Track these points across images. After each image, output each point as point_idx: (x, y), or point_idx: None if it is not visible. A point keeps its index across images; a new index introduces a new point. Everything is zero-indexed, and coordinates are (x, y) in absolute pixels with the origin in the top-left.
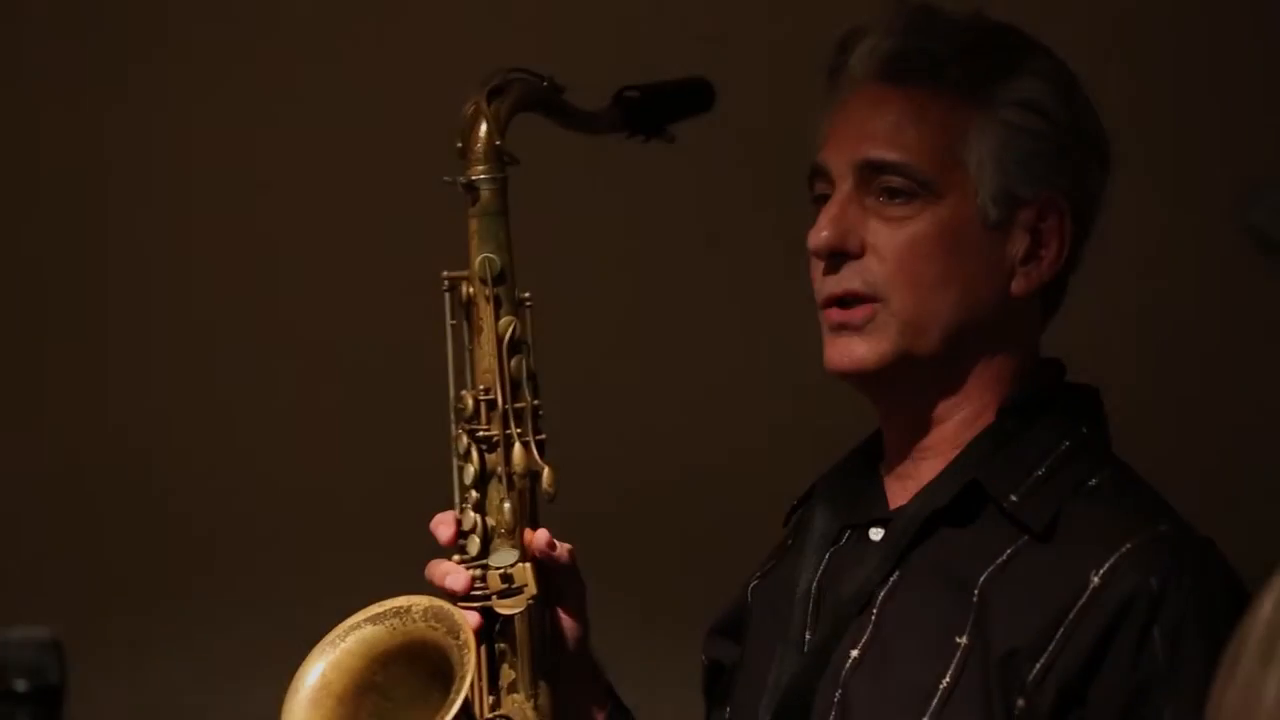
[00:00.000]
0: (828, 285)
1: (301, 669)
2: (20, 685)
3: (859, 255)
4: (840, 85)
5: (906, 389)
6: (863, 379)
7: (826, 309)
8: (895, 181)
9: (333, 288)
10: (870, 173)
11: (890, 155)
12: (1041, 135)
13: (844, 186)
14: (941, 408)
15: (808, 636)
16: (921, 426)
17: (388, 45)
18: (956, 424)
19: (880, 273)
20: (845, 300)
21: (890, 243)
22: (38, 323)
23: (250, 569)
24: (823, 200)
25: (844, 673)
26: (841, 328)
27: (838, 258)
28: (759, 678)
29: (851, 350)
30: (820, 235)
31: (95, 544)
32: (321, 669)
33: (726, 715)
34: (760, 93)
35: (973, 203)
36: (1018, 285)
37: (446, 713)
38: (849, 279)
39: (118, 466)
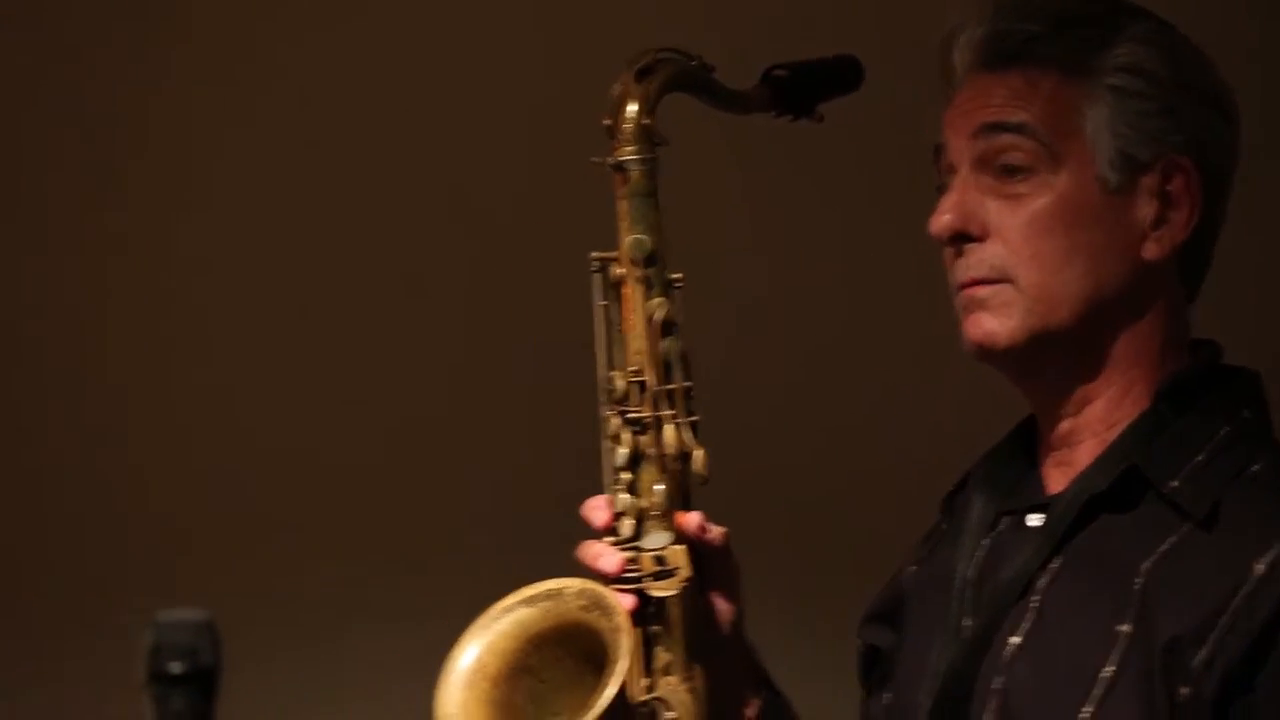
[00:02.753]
0: (957, 272)
1: (455, 651)
2: (175, 668)
3: (982, 239)
4: (950, 84)
5: (1048, 369)
6: (997, 357)
7: (958, 292)
8: (1014, 155)
9: (476, 270)
10: (988, 143)
11: (1008, 116)
12: (1149, 96)
13: (963, 170)
14: (1088, 387)
15: (967, 623)
16: (1070, 408)
17: (539, 22)
18: (1106, 403)
19: (1005, 254)
20: (974, 285)
21: (1012, 221)
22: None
23: (400, 557)
24: (945, 191)
25: (1005, 660)
26: (972, 305)
27: (962, 242)
28: (918, 664)
29: (981, 325)
30: (940, 220)
31: (251, 529)
32: (476, 651)
33: (885, 701)
34: (911, 70)
35: (1090, 171)
36: (1150, 251)
37: (604, 694)
38: (975, 266)
39: (287, 453)
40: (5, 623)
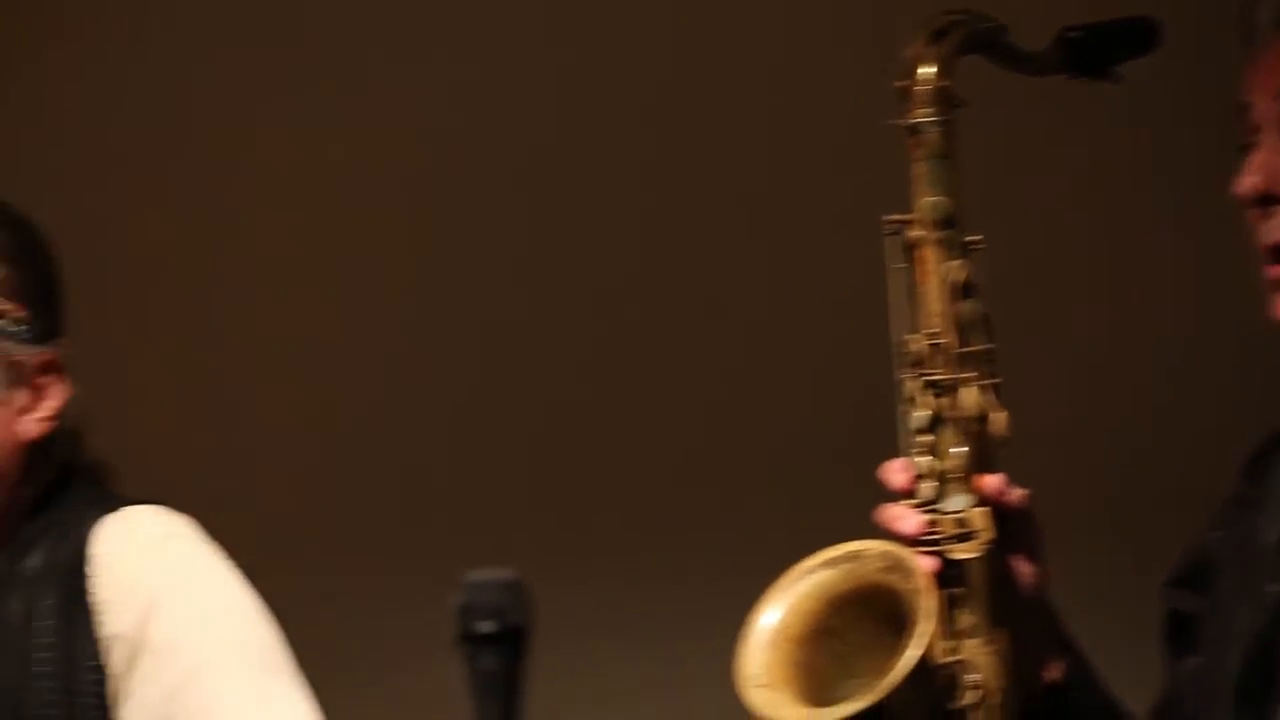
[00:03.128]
0: (1263, 234)
1: (757, 613)
2: (486, 627)
3: None
4: (1252, 41)
5: None
6: None
7: (1268, 264)
8: None
9: (769, 234)
10: None
11: None
12: None
13: (1268, 130)
14: None
15: (1273, 588)
16: None
17: None
18: None
19: None
20: None
21: None
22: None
23: (696, 519)
24: (1249, 150)
25: None
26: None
27: (1269, 204)
28: (1225, 629)
29: None
30: (1246, 181)
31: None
32: (778, 613)
33: (1192, 666)
34: (1208, 27)
35: None
36: None
37: (907, 656)
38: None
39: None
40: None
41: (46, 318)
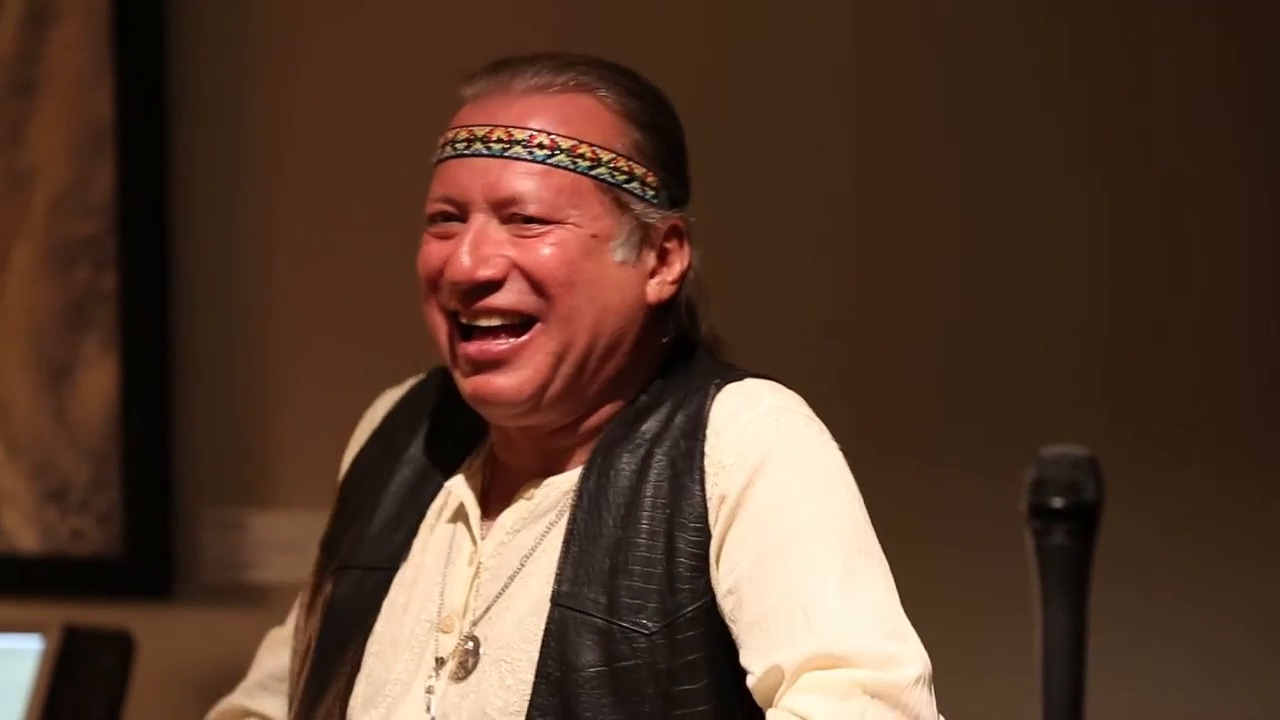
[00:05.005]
0: None
1: None
2: (1057, 502)
3: None
4: None
5: None
6: None
7: None
8: None
9: None
10: None
11: None
12: None
13: None
14: None
15: None
16: None
17: None
18: None
19: None
20: None
21: None
22: None
23: None
24: None
25: None
26: None
27: None
28: None
29: None
30: None
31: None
32: None
33: None
34: None
35: None
36: None
37: None
38: None
39: None
40: None
41: (675, 185)
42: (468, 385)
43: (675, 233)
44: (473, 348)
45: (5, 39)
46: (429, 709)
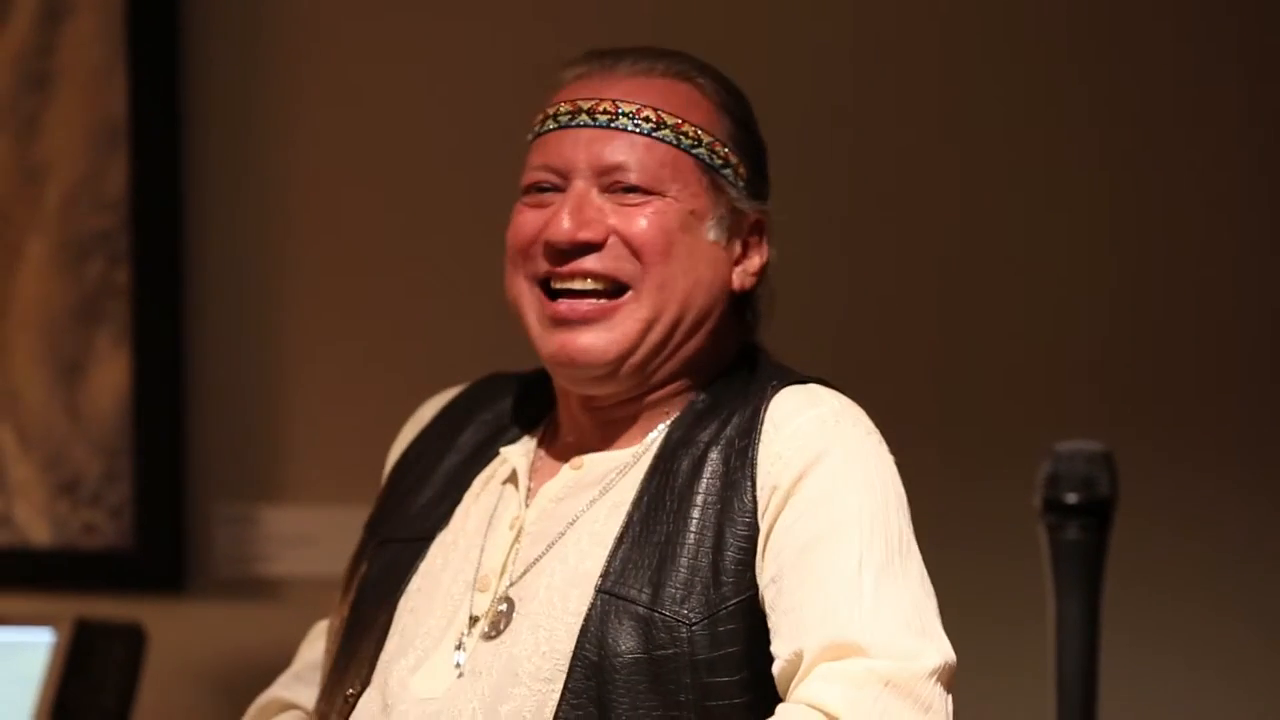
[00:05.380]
0: None
1: None
2: (1071, 498)
3: None
4: None
5: None
6: None
7: None
8: None
9: None
10: None
11: None
12: None
13: None
14: None
15: None
16: None
17: None
18: None
19: None
20: None
21: None
22: None
23: None
24: None
25: None
26: None
27: None
28: None
29: None
30: None
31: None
32: None
33: None
34: None
35: None
36: None
37: None
38: None
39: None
40: None
41: (759, 180)
42: (553, 342)
43: (759, 227)
44: (563, 305)
45: (20, 33)
46: (458, 664)
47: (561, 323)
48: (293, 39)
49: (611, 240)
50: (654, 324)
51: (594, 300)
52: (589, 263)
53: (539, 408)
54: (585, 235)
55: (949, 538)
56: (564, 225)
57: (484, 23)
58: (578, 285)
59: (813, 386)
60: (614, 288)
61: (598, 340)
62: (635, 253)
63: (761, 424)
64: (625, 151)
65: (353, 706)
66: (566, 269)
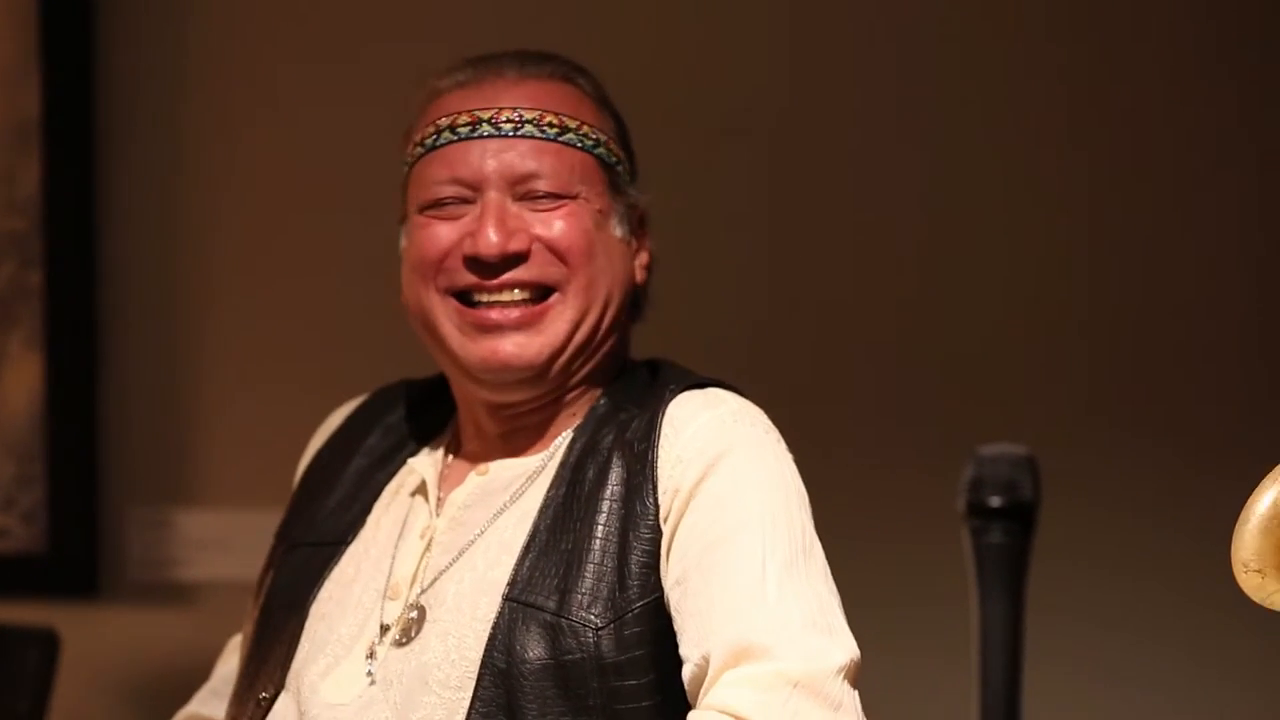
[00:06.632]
0: None
1: (1252, 500)
2: (995, 501)
3: None
4: None
5: None
6: None
7: None
8: None
9: None
10: None
11: None
12: None
13: None
14: None
15: None
16: None
17: None
18: None
19: None
20: None
21: None
22: None
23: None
24: None
25: None
26: None
27: None
28: None
29: None
30: None
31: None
32: (1272, 497)
33: None
34: None
35: None
36: None
37: None
38: None
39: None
40: None
41: (636, 172)
42: (481, 349)
43: (643, 218)
44: (494, 312)
45: None
46: (369, 672)
47: (491, 329)
48: (210, 39)
49: (536, 247)
50: (580, 324)
51: (524, 306)
52: (519, 274)
53: (441, 415)
54: (514, 246)
55: (887, 533)
56: (491, 239)
57: (409, 30)
58: (505, 297)
59: (712, 389)
60: (539, 294)
61: (530, 344)
62: (561, 257)
63: (660, 427)
64: (535, 159)
65: (266, 710)
66: (495, 282)
